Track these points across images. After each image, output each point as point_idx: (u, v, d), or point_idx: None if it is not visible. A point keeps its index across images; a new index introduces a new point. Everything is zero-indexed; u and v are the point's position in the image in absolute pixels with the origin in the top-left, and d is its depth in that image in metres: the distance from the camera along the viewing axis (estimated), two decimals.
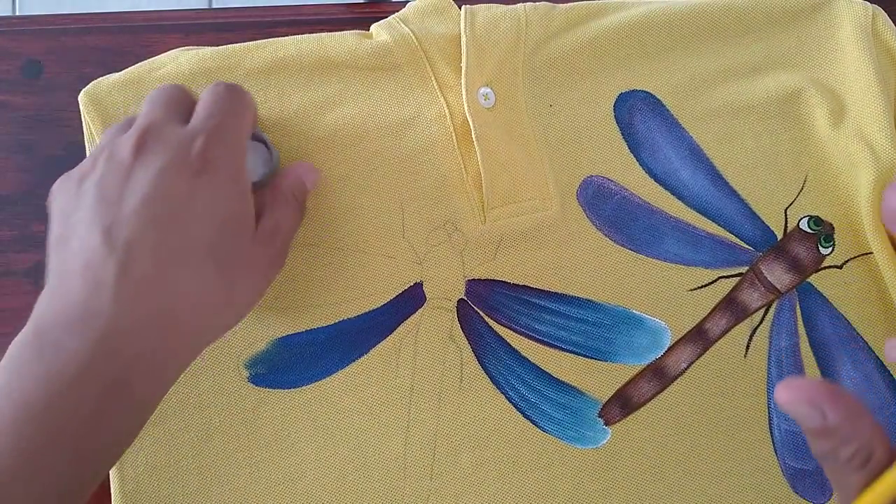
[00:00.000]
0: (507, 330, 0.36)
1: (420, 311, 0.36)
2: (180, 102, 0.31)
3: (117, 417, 0.27)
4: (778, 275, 0.37)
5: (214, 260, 0.28)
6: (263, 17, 0.42)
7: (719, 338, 0.37)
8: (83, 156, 0.37)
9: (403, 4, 0.39)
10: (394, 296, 0.36)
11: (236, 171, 0.30)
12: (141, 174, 0.28)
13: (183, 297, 0.28)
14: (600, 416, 0.36)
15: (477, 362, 0.36)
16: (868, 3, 0.38)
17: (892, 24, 0.38)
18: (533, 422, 0.36)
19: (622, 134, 0.38)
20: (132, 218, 0.27)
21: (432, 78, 0.37)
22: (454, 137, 0.37)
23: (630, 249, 0.37)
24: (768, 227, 0.37)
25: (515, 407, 0.36)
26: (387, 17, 0.38)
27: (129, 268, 0.27)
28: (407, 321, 0.36)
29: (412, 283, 0.36)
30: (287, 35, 0.38)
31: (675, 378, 0.36)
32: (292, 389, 0.36)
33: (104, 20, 0.42)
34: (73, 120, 0.40)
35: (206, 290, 0.28)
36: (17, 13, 1.06)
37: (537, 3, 0.38)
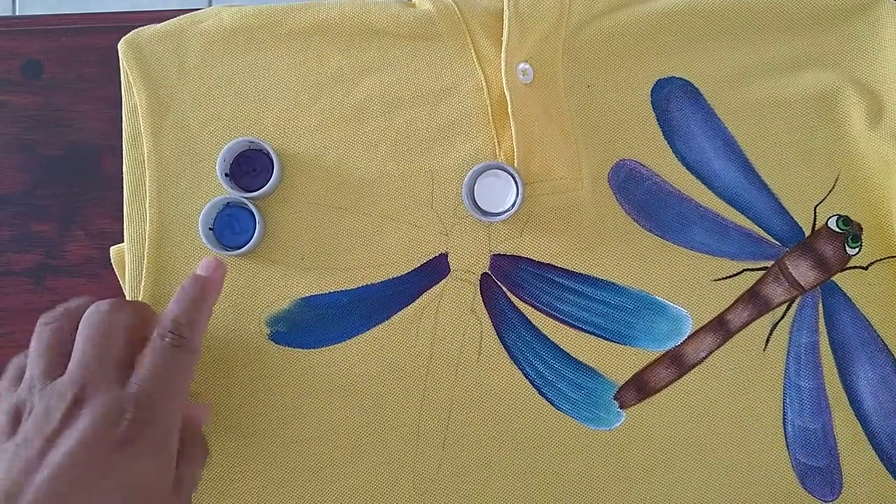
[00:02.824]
0: (528, 307, 0.37)
1: (443, 281, 0.36)
2: (117, 345, 0.29)
3: None
4: (803, 271, 0.37)
5: None
6: None
7: (740, 329, 0.37)
8: (82, 156, 0.37)
9: None
10: (418, 265, 0.36)
11: (163, 441, 0.28)
12: (62, 443, 0.26)
13: None
14: (616, 398, 0.36)
15: (496, 336, 0.36)
16: None
17: None
18: (548, 399, 0.36)
19: (658, 120, 0.38)
20: (36, 490, 0.25)
21: (472, 50, 0.37)
22: (490, 111, 0.37)
23: (657, 235, 0.37)
24: (797, 223, 0.37)
25: (532, 383, 0.36)
26: None
27: None
28: (430, 291, 0.36)
29: (437, 254, 0.37)
30: None
31: (693, 366, 0.36)
32: (312, 350, 0.36)
33: (104, 20, 0.41)
34: (73, 120, 0.40)
35: None
36: (17, 13, 1.05)
37: None
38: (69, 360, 0.28)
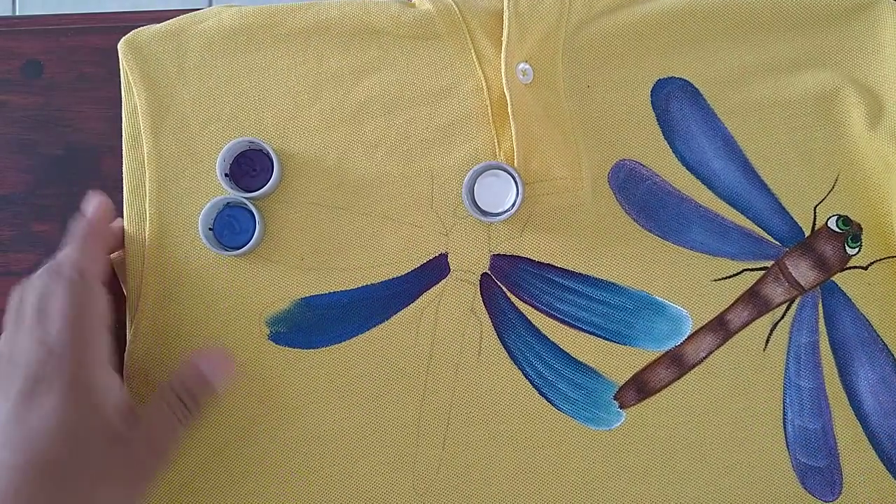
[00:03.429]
0: (528, 307, 0.37)
1: (443, 281, 0.36)
2: (30, 302, 0.31)
3: None
4: (803, 271, 0.37)
5: (51, 479, 0.27)
6: None
7: (740, 329, 0.37)
8: (82, 156, 0.37)
9: None
10: (418, 265, 0.36)
11: (74, 373, 0.29)
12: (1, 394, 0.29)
13: None
14: (616, 398, 0.36)
15: (496, 336, 0.36)
16: None
17: None
18: (548, 399, 0.36)
19: (657, 120, 0.38)
20: None
21: (471, 50, 0.37)
22: (489, 111, 0.37)
23: (657, 235, 0.37)
24: (796, 223, 0.37)
25: (532, 383, 0.36)
26: None
27: None
28: (430, 291, 0.36)
29: (437, 254, 0.37)
30: None
31: (693, 366, 0.36)
32: (311, 350, 0.36)
33: (104, 20, 0.41)
34: (73, 120, 0.40)
35: None
36: (17, 13, 1.04)
37: None
38: None
